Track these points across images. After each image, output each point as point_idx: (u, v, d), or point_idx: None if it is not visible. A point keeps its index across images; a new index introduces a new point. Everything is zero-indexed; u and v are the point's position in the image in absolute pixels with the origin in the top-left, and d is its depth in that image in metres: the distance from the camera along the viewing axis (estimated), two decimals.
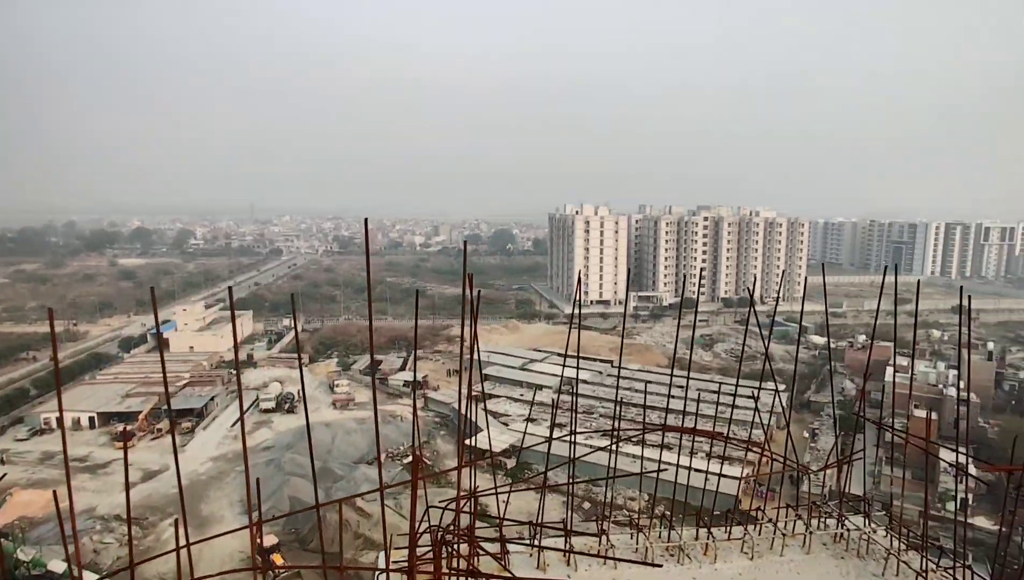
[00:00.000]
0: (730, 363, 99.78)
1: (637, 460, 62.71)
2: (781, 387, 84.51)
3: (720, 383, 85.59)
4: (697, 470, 6.40)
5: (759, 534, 5.51)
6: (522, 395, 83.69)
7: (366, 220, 3.36)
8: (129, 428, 68.30)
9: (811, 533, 5.39)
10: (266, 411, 77.37)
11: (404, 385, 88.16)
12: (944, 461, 53.92)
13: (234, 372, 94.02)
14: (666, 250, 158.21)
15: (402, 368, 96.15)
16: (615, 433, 4.80)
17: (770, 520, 5.57)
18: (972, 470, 58.25)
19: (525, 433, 69.91)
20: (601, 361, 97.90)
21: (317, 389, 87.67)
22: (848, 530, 5.52)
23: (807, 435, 70.18)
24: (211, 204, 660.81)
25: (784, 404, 78.79)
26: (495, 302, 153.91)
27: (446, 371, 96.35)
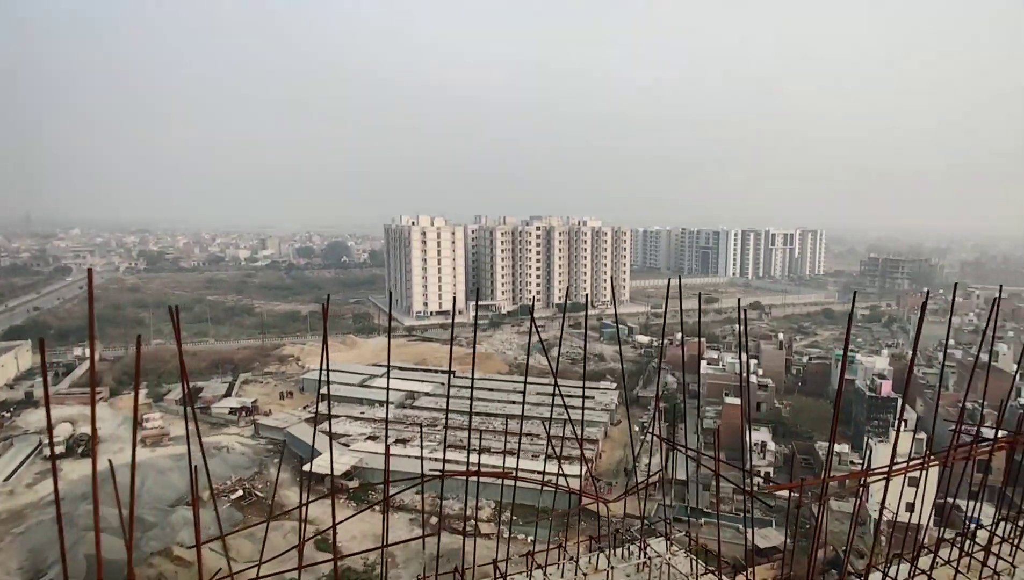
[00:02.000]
0: (567, 366, 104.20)
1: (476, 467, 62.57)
2: (613, 386, 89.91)
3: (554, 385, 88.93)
4: (541, 472, 5.73)
5: (562, 576, 5.01)
6: (363, 413, 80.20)
7: None
8: None
9: (612, 568, 5.02)
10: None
11: (230, 412, 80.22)
12: (724, 466, 60.26)
13: (7, 414, 78.87)
14: (503, 259, 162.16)
15: (227, 394, 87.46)
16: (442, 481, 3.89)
17: (572, 558, 5.12)
18: (771, 446, 66.11)
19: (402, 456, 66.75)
20: (443, 371, 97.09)
21: (122, 426, 76.56)
22: (650, 558, 5.28)
23: (638, 429, 75.03)
24: None
25: (617, 402, 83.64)
26: (331, 317, 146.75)
27: (279, 394, 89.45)
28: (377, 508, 59.26)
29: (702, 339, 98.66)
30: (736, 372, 79.00)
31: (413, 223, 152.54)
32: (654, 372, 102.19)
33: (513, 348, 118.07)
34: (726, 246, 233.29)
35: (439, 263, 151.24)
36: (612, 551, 5.42)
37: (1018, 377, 67.64)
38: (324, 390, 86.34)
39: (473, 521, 59.06)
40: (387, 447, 3.89)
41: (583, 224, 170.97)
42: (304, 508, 3.91)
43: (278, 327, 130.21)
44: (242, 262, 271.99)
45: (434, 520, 58.78)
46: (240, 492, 60.73)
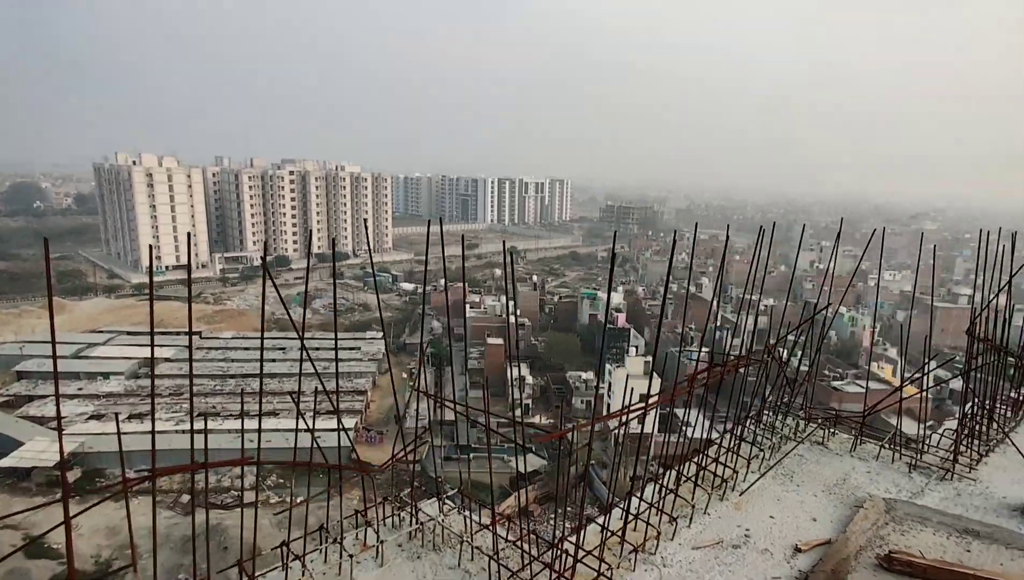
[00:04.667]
0: (329, 318, 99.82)
1: (239, 436, 57.40)
2: (380, 335, 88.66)
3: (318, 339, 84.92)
4: (310, 430, 4.46)
5: (325, 561, 4.39)
6: (81, 389, 67.39)
7: None
8: None
9: (382, 542, 4.56)
10: None
11: None
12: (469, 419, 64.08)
13: None
14: (252, 206, 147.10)
15: None
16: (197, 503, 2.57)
17: (335, 539, 4.54)
18: (529, 379, 71.65)
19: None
20: (186, 333, 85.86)
21: None
22: (422, 523, 4.88)
23: (406, 376, 75.39)
24: None
25: (384, 351, 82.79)
26: (24, 276, 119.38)
27: None
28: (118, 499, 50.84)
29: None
30: (497, 314, 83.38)
31: (135, 162, 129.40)
32: (419, 319, 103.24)
33: (270, 302, 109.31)
34: (484, 194, 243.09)
35: (173, 210, 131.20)
36: (381, 522, 4.89)
37: (715, 305, 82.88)
38: (25, 366, 70.17)
39: (235, 494, 54.16)
40: (114, 426, 2.31)
41: (341, 169, 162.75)
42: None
43: None
44: None
45: (189, 500, 52.60)
46: None
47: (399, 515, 5.05)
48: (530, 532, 4.35)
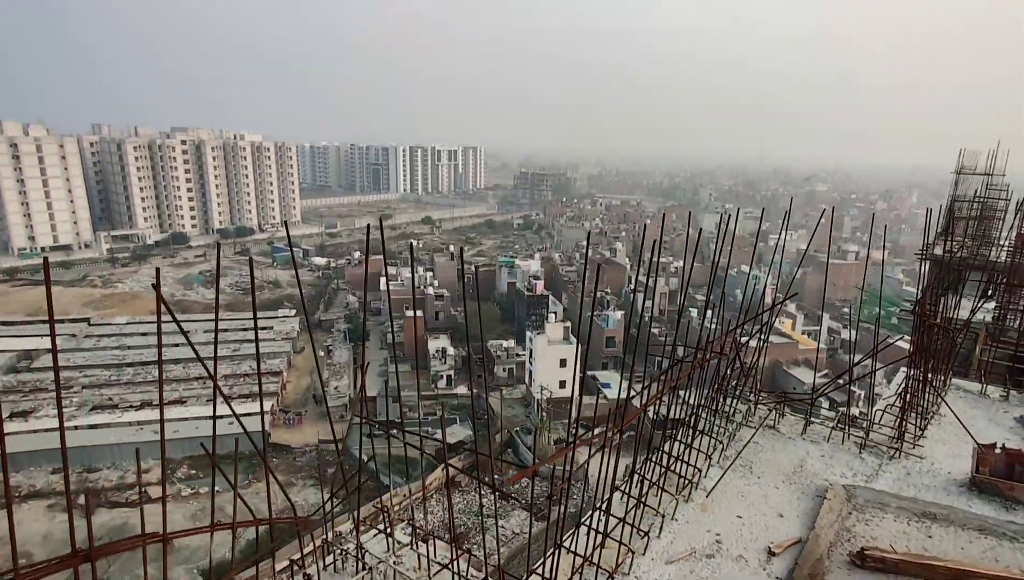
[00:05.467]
0: (237, 297, 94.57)
1: (141, 428, 53.64)
2: (292, 313, 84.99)
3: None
4: (222, 417, 3.73)
5: None
6: None
7: None
8: None
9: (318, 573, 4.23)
10: None
11: None
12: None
13: None
14: (140, 180, 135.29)
15: None
16: None
17: None
18: (451, 351, 71.10)
19: None
20: (72, 321, 78.93)
21: None
22: (370, 568, 4.53)
23: (323, 353, 72.90)
24: None
25: (298, 329, 79.59)
26: None
27: None
28: None
29: (381, 257, 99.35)
30: (416, 285, 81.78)
31: None
32: (334, 294, 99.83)
33: (168, 283, 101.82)
34: (396, 162, 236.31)
35: (45, 185, 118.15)
36: (321, 569, 4.40)
37: (629, 268, 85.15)
38: None
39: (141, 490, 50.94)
40: None
41: (240, 138, 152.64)
42: None
43: None
44: None
45: (82, 500, 48.78)
46: None
47: (343, 555, 4.43)
48: (499, 569, 3.86)
